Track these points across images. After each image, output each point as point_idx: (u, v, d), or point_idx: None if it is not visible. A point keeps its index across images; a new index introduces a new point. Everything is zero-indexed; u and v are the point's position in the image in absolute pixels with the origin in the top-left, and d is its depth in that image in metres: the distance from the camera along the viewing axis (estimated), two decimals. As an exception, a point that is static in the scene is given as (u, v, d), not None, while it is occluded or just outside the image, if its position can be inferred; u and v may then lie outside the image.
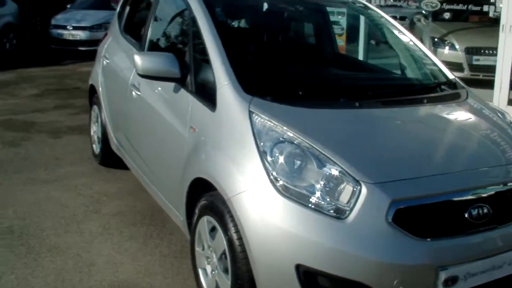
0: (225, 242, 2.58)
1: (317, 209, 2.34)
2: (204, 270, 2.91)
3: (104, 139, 4.94)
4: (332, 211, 2.33)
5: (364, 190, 2.33)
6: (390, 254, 2.26)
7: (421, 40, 6.56)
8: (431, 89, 3.34)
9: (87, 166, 5.18)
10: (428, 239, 2.31)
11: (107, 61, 4.77)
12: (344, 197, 2.35)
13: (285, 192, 2.39)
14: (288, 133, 2.54)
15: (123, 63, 4.35)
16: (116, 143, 4.67)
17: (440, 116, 3.11)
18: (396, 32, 3.85)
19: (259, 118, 2.62)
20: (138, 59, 3.19)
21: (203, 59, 3.16)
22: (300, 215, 2.35)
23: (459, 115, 3.11)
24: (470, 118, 3.09)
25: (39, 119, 6.86)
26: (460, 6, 7.98)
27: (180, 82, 3.20)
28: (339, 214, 2.32)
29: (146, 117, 3.68)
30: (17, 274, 3.25)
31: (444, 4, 7.79)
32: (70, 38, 12.26)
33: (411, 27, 9.83)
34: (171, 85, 3.30)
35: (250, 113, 2.66)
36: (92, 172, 5.04)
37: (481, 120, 3.10)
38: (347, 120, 2.80)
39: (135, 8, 4.77)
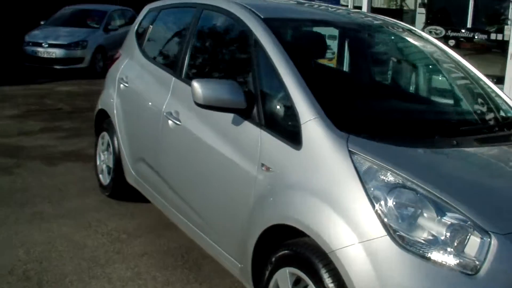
0: None
1: (443, 263, 2.05)
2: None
3: (117, 170, 4.50)
4: (459, 265, 2.04)
5: (494, 241, 2.07)
6: None
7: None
8: None
9: (94, 198, 4.72)
10: None
11: (126, 84, 4.36)
12: (471, 250, 2.07)
13: (405, 244, 2.09)
14: (399, 176, 2.23)
15: (151, 89, 3.95)
16: (134, 175, 4.25)
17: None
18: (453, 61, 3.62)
19: (362, 159, 2.31)
20: (198, 86, 2.83)
21: (274, 89, 2.84)
22: (425, 271, 2.05)
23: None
24: None
25: (27, 143, 6.32)
26: (466, 34, 7.91)
27: (244, 113, 2.86)
28: (468, 269, 2.04)
29: (191, 150, 3.29)
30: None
31: (449, 31, 7.71)
32: (46, 55, 11.66)
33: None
34: (227, 116, 2.95)
35: (351, 153, 2.34)
36: (102, 205, 4.58)
37: None
38: (454, 161, 2.53)
39: (162, 27, 4.39)
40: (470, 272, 2.03)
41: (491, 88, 3.45)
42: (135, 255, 3.72)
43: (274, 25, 3.07)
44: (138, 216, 4.38)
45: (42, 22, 13.00)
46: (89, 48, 11.97)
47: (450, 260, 2.05)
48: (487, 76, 3.55)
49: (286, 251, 2.47)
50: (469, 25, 8.65)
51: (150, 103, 3.87)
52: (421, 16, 9.45)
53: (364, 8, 7.92)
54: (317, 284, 2.28)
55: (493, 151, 2.73)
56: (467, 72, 3.51)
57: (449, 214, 2.13)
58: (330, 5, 4.11)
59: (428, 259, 2.06)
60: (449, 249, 2.07)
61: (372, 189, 2.21)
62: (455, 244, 2.08)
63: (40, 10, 14.19)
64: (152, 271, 3.51)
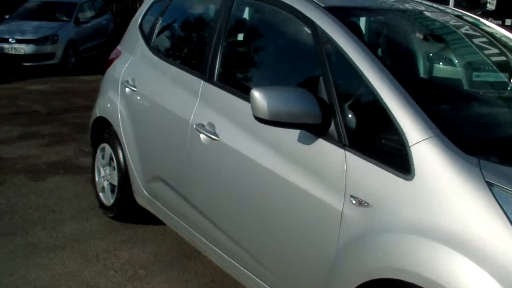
0: None
1: None
2: None
3: (123, 188, 3.84)
4: None
5: None
6: None
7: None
8: None
9: (95, 221, 4.04)
10: None
11: (133, 88, 3.68)
12: None
13: None
14: None
15: (170, 94, 3.29)
16: (147, 196, 3.60)
17: None
18: None
19: (504, 193, 1.74)
20: (261, 97, 2.20)
21: (359, 97, 2.24)
22: None
23: None
24: None
25: (6, 154, 5.55)
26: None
27: (318, 129, 2.25)
28: None
29: (238, 174, 2.66)
30: None
31: None
32: (13, 52, 10.73)
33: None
34: (290, 132, 2.34)
35: (489, 184, 1.76)
36: (106, 230, 3.90)
37: None
38: None
39: (176, 19, 3.71)
40: None
41: None
42: (160, 297, 3.09)
43: (343, 15, 2.46)
44: (151, 243, 3.72)
45: (6, 16, 12.00)
46: (60, 42, 11.10)
47: None
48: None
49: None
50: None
51: (170, 112, 3.22)
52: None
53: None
54: None
55: None
56: None
57: None
58: None
59: None
60: None
61: None
62: None
63: (3, 3, 13.16)
64: (186, 319, 2.89)
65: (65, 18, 11.90)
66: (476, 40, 2.94)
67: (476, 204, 1.76)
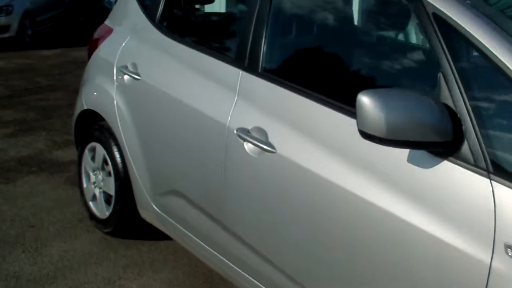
0: None
1: None
2: None
3: (124, 199, 3.12)
4: None
5: None
6: None
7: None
8: None
9: (86, 238, 3.31)
10: None
11: (135, 76, 2.92)
12: None
13: None
14: None
15: (193, 86, 2.57)
16: (157, 210, 2.89)
17: None
18: None
19: None
20: (374, 105, 1.52)
21: (504, 104, 1.60)
22: None
23: None
24: None
25: (-36, 148, 4.70)
26: None
27: (447, 148, 1.60)
28: None
29: (309, 201, 1.98)
30: None
31: None
32: (-38, 24, 9.61)
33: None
34: (385, 149, 1.68)
35: None
36: (103, 250, 3.18)
37: None
38: None
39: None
40: None
41: None
42: None
43: None
44: (161, 266, 3.04)
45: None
46: (15, 14, 10.01)
47: None
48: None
49: None
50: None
51: (193, 110, 2.50)
52: None
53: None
54: None
55: None
56: None
57: None
58: None
59: None
60: None
61: None
62: None
63: None
64: None
65: (19, -14, 10.76)
66: None
67: None
